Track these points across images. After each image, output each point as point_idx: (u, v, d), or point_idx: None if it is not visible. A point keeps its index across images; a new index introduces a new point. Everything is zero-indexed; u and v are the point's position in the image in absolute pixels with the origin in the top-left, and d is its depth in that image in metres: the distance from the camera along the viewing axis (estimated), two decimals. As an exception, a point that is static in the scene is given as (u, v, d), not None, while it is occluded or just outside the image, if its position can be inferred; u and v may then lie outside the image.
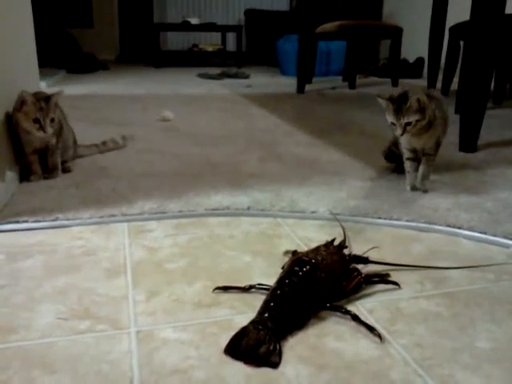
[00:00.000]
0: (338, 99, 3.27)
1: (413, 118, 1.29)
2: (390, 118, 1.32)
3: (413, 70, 4.61)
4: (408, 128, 1.30)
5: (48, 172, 1.48)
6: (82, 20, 5.91)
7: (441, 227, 1.16)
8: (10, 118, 1.41)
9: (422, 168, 1.40)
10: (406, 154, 1.41)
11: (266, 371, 0.68)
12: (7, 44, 1.46)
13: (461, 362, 0.70)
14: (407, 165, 1.42)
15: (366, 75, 4.62)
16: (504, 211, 1.25)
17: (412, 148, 1.39)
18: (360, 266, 0.93)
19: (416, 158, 1.41)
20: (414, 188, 1.40)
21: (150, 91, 3.47)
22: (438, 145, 1.40)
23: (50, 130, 1.39)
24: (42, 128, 1.37)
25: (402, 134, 1.31)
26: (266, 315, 0.75)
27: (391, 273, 0.93)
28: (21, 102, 1.36)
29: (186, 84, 3.94)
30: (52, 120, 1.39)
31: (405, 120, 1.29)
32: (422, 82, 4.03)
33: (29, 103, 1.36)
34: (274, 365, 0.68)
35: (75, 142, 1.65)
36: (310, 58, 3.76)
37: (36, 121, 1.37)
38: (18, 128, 1.41)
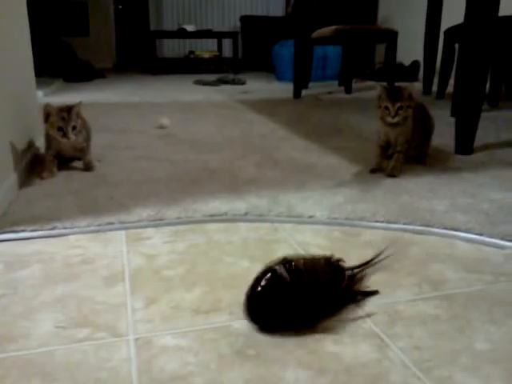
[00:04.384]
0: (334, 104, 3.28)
1: (404, 103, 1.49)
2: (385, 103, 1.51)
3: (408, 73, 4.62)
4: (400, 112, 1.50)
5: (85, 169, 1.65)
6: (79, 28, 5.93)
7: (438, 229, 1.16)
8: (6, 125, 1.43)
9: (392, 162, 1.57)
10: (380, 143, 1.62)
11: (264, 376, 0.68)
12: (3, 53, 1.46)
13: (460, 363, 0.70)
14: (377, 150, 1.63)
15: (362, 79, 4.63)
16: (500, 212, 1.26)
17: (387, 139, 1.60)
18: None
19: (387, 148, 1.61)
20: (373, 171, 1.59)
21: (146, 99, 3.48)
22: (407, 143, 1.58)
23: (72, 137, 1.56)
24: (65, 135, 1.55)
25: (394, 116, 1.50)
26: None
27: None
28: (46, 114, 1.56)
29: (182, 91, 3.95)
30: (74, 127, 1.56)
31: (398, 103, 1.49)
32: (418, 85, 4.04)
33: (53, 115, 1.55)
34: None
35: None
36: (306, 62, 3.77)
37: (60, 129, 1.55)
38: (48, 136, 1.61)
